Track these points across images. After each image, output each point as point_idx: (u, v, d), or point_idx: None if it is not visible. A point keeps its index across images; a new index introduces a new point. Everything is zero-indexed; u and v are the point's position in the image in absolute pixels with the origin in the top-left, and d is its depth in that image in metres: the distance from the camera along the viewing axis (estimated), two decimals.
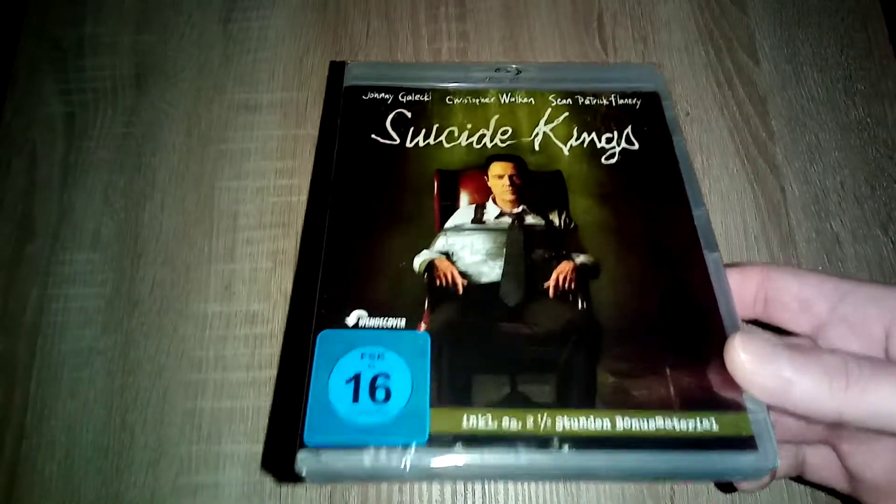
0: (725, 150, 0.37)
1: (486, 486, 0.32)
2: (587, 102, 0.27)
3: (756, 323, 0.25)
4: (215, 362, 0.34)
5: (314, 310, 0.21)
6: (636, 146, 0.26)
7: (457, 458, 0.18)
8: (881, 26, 0.40)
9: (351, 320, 0.21)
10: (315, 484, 0.20)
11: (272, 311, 0.35)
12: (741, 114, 0.38)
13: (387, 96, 0.27)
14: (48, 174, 0.38)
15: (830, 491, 0.25)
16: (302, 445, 0.18)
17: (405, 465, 0.18)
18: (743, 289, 0.24)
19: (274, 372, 0.34)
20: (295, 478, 0.18)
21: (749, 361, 0.19)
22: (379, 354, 0.20)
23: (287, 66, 0.40)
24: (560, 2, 0.41)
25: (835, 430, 0.23)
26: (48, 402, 0.34)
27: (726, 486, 0.30)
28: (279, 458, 0.32)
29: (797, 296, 0.23)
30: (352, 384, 0.20)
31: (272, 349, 0.34)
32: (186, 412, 0.33)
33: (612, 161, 0.26)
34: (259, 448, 0.32)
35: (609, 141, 0.26)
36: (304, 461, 0.18)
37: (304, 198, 0.37)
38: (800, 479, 0.26)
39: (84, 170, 0.38)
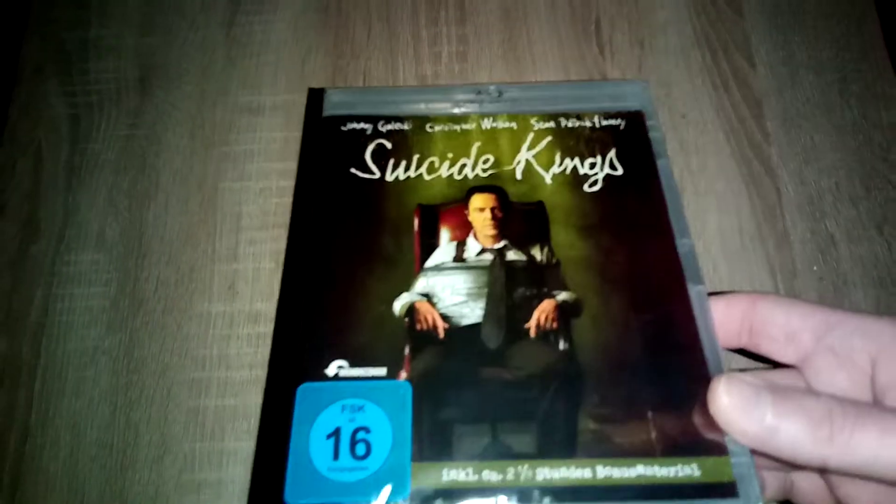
0: (721, 152, 0.38)
1: None
2: (570, 125, 0.27)
3: (741, 351, 0.25)
4: (219, 361, 0.34)
5: (293, 359, 0.21)
6: (620, 171, 0.25)
7: None
8: (876, 29, 0.40)
9: (331, 371, 0.21)
10: None
11: (275, 311, 0.35)
12: (737, 116, 0.38)
13: (366, 126, 0.27)
14: (53, 175, 0.39)
15: None
16: None
17: None
18: (728, 319, 0.23)
19: None
20: None
21: (732, 407, 0.18)
22: (360, 406, 0.20)
23: (290, 68, 0.41)
24: (558, 6, 0.42)
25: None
26: (53, 400, 0.34)
27: None
28: None
29: (783, 327, 0.22)
30: (332, 440, 0.19)
31: None
32: (190, 410, 0.34)
33: (596, 189, 0.25)
34: None
35: (592, 166, 0.26)
36: None
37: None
38: (788, 502, 0.25)
39: (89, 171, 0.39)
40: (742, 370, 0.26)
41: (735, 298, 0.23)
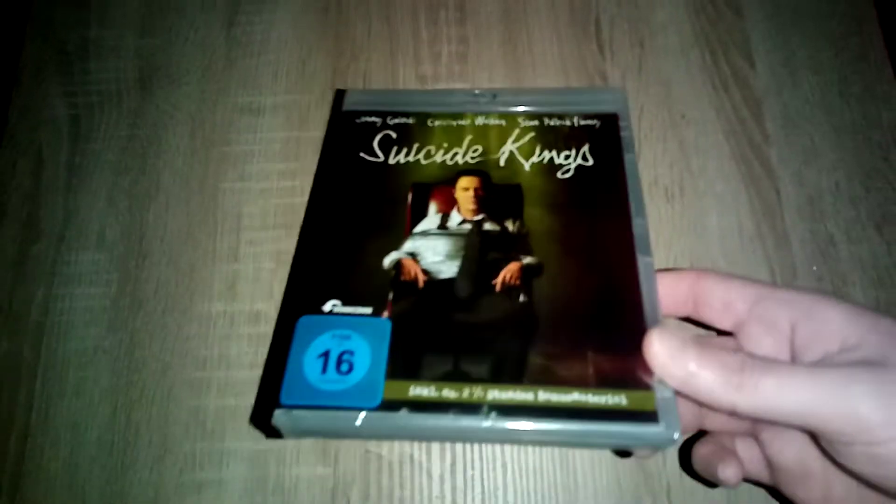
0: (721, 153, 0.38)
1: (485, 483, 0.32)
2: (552, 123, 0.30)
3: (688, 320, 0.28)
4: (219, 361, 0.34)
5: (297, 296, 0.25)
6: (591, 162, 0.29)
7: (401, 419, 0.22)
8: (875, 29, 0.40)
9: (327, 307, 0.25)
10: (290, 438, 0.25)
11: (275, 311, 0.35)
12: (737, 116, 0.39)
13: (376, 119, 0.31)
14: (53, 176, 0.39)
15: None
16: (279, 405, 0.23)
17: (358, 423, 0.22)
18: (676, 290, 0.27)
19: None
20: (276, 433, 0.23)
21: (661, 353, 0.22)
22: (347, 336, 0.24)
23: (290, 68, 0.41)
24: (558, 6, 0.42)
25: (754, 422, 0.26)
26: (53, 400, 0.34)
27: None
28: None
29: (721, 298, 0.26)
30: (322, 359, 0.24)
31: None
32: (191, 410, 0.34)
33: (567, 175, 0.29)
34: (263, 445, 0.33)
35: (567, 157, 0.29)
36: (279, 417, 0.23)
37: (306, 199, 0.37)
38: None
39: (89, 171, 0.39)
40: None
41: (683, 273, 0.27)
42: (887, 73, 0.39)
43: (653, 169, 0.37)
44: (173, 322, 0.35)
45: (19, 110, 0.40)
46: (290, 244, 0.37)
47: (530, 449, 0.33)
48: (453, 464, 0.32)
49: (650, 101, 0.39)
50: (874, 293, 0.35)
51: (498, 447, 0.33)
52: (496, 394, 0.23)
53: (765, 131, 0.38)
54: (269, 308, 0.35)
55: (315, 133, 0.39)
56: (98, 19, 0.42)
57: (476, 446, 0.33)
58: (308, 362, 0.23)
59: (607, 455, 0.32)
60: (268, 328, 0.35)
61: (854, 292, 0.35)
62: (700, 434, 0.28)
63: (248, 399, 0.34)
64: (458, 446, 0.33)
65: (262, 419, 0.33)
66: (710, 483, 0.31)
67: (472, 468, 0.32)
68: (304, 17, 0.42)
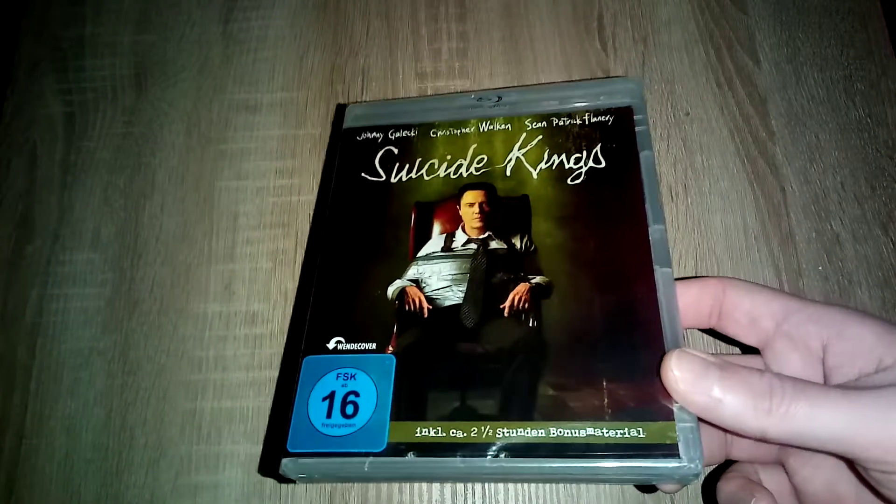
0: (726, 150, 0.37)
1: (486, 487, 0.32)
2: (561, 123, 0.28)
3: (711, 332, 0.26)
4: (215, 362, 0.34)
5: (303, 335, 0.25)
6: (603, 164, 0.27)
7: (408, 463, 0.22)
8: (881, 26, 0.40)
9: (331, 345, 0.24)
10: (301, 483, 0.24)
11: (272, 312, 0.35)
12: (741, 114, 0.38)
13: (377, 135, 0.30)
14: (48, 174, 0.38)
15: None
16: (286, 453, 0.22)
17: (366, 469, 0.22)
18: (700, 301, 0.25)
19: (274, 373, 0.34)
20: (286, 479, 0.22)
21: (682, 379, 0.20)
22: (352, 375, 0.24)
23: (287, 66, 0.40)
24: (560, 2, 0.41)
25: (782, 447, 0.24)
26: (48, 402, 0.34)
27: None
28: (272, 462, 0.32)
29: (748, 312, 0.24)
30: (327, 402, 0.23)
31: (272, 349, 0.34)
32: (186, 412, 0.33)
33: (578, 181, 0.27)
34: (259, 448, 0.32)
35: (577, 161, 0.27)
36: (287, 465, 0.22)
37: (303, 198, 0.37)
38: None
39: (84, 170, 0.38)
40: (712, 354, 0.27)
41: (708, 282, 0.25)
42: (893, 70, 0.39)
43: (656, 167, 0.37)
44: (169, 323, 0.35)
45: (13, 108, 0.40)
46: (287, 243, 0.36)
47: None
48: None
49: (653, 99, 0.38)
50: (880, 293, 0.34)
51: None
52: (506, 432, 0.21)
53: (770, 129, 0.38)
54: (266, 308, 0.35)
55: (312, 131, 0.38)
56: (93, 16, 0.42)
57: None
58: (313, 406, 0.23)
59: None
60: (264, 329, 0.34)
61: (860, 292, 0.34)
62: (720, 469, 0.26)
63: (245, 401, 0.33)
64: None
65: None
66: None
67: None
68: (301, 13, 0.41)
